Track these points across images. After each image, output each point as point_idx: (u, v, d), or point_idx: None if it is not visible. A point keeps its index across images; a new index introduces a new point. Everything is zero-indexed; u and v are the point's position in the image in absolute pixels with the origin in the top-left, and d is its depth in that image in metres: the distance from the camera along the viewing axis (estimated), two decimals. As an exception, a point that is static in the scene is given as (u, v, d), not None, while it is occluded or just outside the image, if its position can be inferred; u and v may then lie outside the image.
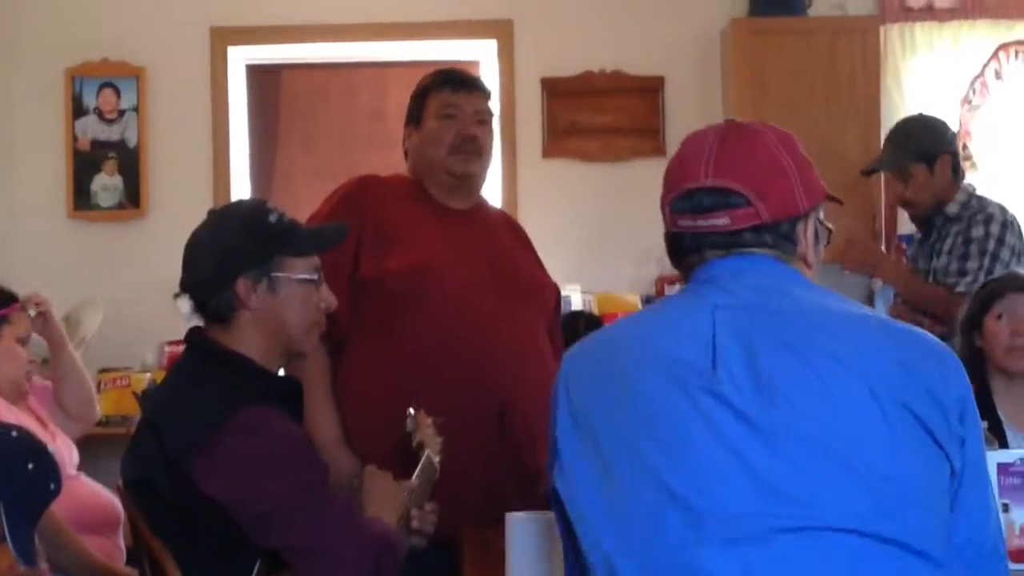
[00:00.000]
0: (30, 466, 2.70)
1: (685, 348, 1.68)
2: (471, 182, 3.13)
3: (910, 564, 1.57)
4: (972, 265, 4.23)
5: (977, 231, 4.25)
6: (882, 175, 4.89)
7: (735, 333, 1.67)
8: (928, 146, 4.38)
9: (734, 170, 1.76)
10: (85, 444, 3.98)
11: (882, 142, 4.63)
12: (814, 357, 1.63)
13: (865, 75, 5.47)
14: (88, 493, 3.61)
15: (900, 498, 1.58)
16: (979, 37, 5.63)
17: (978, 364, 3.52)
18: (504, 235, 3.21)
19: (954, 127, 5.53)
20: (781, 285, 1.75)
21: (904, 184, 4.37)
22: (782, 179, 1.77)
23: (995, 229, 4.26)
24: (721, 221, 1.76)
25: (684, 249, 1.81)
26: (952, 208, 4.33)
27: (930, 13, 5.66)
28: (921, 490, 1.60)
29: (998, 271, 4.14)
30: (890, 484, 1.58)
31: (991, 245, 4.25)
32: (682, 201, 1.79)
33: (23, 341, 3.61)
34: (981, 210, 4.31)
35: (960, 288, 4.17)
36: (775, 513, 1.56)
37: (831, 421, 1.59)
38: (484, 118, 3.13)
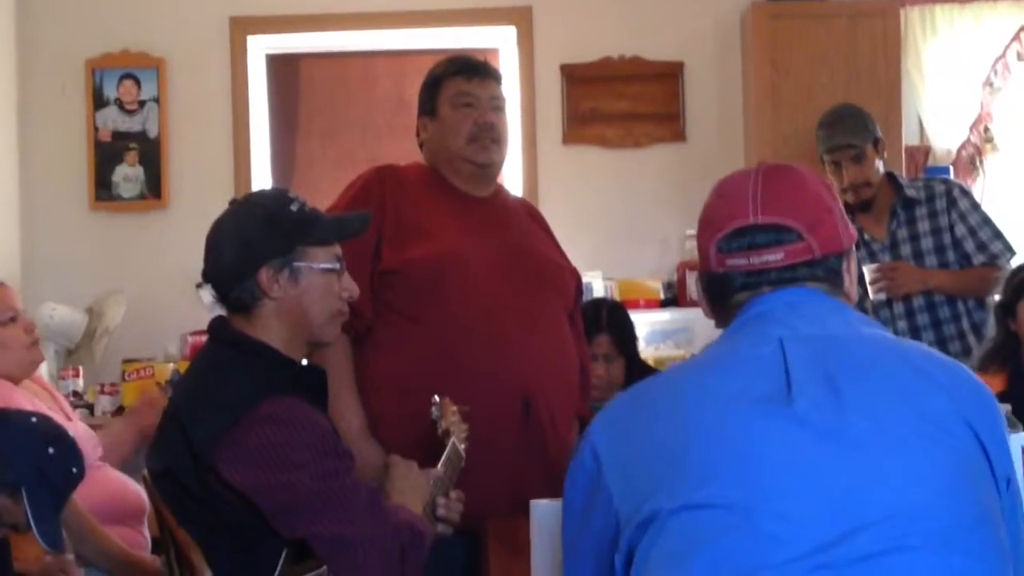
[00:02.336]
0: (50, 450, 2.71)
1: (756, 382, 1.64)
2: (491, 170, 3.12)
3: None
4: (985, 235, 4.28)
5: (964, 204, 4.31)
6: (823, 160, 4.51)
7: (809, 361, 1.65)
8: (875, 129, 4.39)
9: (784, 206, 1.77)
10: (110, 434, 3.99)
11: (901, 124, 4.55)
12: (900, 379, 1.64)
13: (886, 59, 5.43)
14: (113, 483, 3.62)
15: (975, 518, 1.58)
16: (1000, 19, 5.57)
17: (1012, 349, 3.54)
18: (523, 222, 3.20)
19: (976, 109, 5.53)
20: (838, 316, 1.75)
21: (858, 165, 4.31)
22: (828, 215, 1.79)
23: (969, 196, 4.39)
24: (775, 256, 1.76)
25: (733, 289, 1.79)
26: (911, 191, 4.34)
27: (951, -5, 5.62)
28: (988, 509, 1.60)
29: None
30: (964, 503, 1.57)
31: (981, 210, 4.36)
32: (731, 240, 1.77)
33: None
34: (936, 187, 4.37)
35: (1002, 261, 4.25)
36: (859, 536, 1.53)
37: (917, 438, 1.59)
38: (499, 104, 3.12)
